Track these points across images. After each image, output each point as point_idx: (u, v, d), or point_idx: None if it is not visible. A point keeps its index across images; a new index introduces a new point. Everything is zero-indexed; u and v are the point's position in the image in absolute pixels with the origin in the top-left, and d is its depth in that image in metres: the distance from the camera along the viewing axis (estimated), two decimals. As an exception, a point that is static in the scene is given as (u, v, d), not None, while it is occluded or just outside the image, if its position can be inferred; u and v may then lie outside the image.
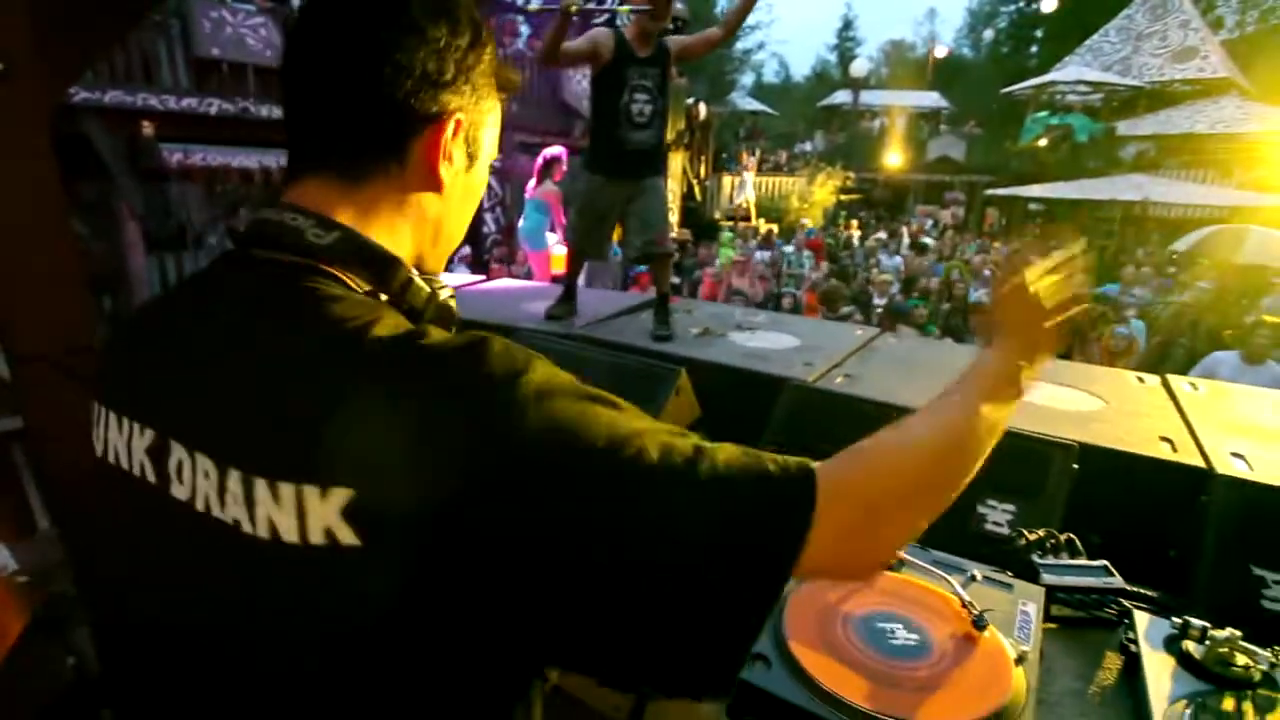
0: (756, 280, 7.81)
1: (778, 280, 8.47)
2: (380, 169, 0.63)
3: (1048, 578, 1.06)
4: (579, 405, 0.53)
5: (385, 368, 0.52)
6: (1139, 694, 0.86)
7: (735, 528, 0.52)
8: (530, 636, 0.53)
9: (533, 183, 6.22)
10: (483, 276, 4.11)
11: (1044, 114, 17.23)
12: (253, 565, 0.52)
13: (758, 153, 16.67)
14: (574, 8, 2.32)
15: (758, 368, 1.94)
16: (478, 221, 9.54)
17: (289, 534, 0.49)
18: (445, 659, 0.52)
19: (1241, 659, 0.85)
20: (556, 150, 6.10)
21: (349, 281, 0.60)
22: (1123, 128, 16.03)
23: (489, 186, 0.73)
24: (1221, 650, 0.86)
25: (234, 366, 0.56)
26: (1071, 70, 17.64)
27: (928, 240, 11.91)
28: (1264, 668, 0.85)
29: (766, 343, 2.26)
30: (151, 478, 0.58)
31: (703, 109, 12.77)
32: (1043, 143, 16.65)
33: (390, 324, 0.55)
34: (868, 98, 23.23)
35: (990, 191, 16.54)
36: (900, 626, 0.89)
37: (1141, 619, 0.97)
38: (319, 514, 0.49)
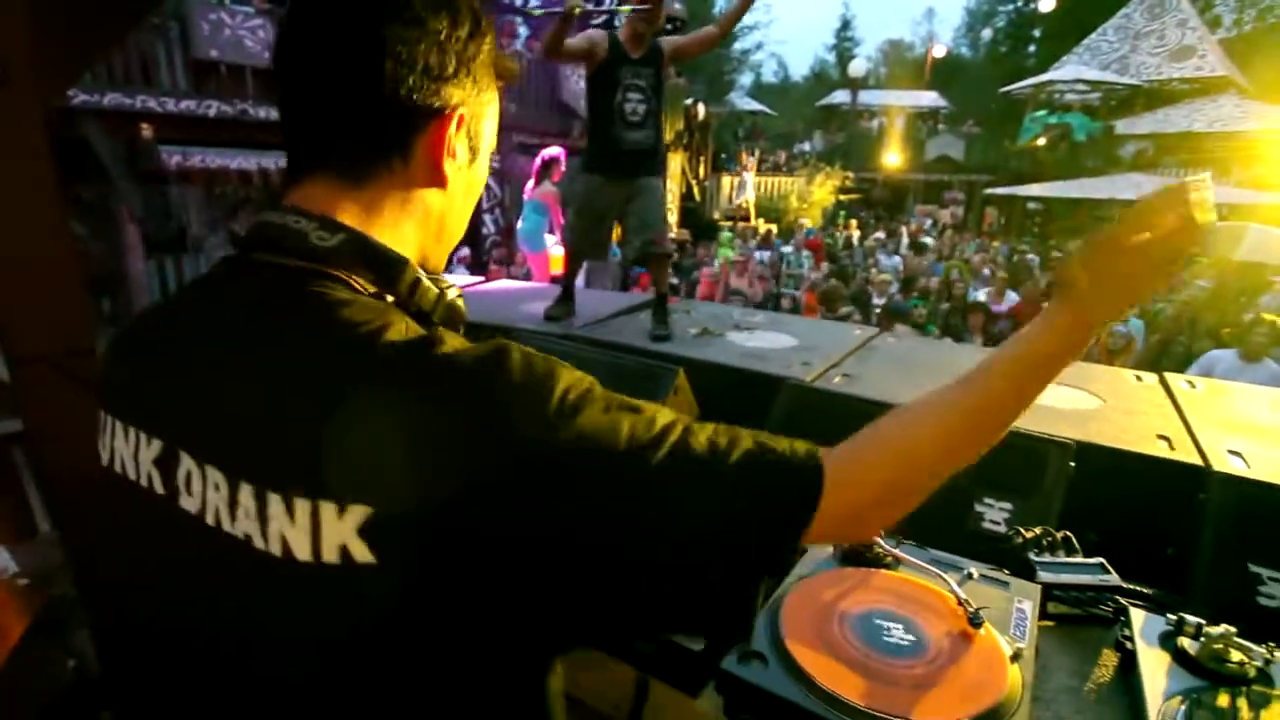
0: (755, 280, 7.82)
1: (777, 281, 8.48)
2: (383, 167, 0.61)
3: (1044, 575, 1.06)
4: (601, 412, 0.53)
5: (402, 377, 0.51)
6: (1134, 690, 0.86)
7: (744, 519, 0.55)
8: (555, 626, 0.54)
9: (531, 184, 6.23)
10: (481, 278, 4.12)
11: (1042, 113, 17.25)
12: (262, 580, 0.51)
13: (757, 153, 16.68)
14: (576, 10, 2.34)
15: (756, 367, 1.95)
16: (476, 223, 9.55)
17: (301, 552, 0.49)
18: (461, 662, 0.52)
19: (1236, 655, 0.85)
20: (555, 151, 6.11)
21: (355, 284, 0.59)
22: (1121, 126, 16.05)
23: (488, 188, 0.73)
24: (1216, 647, 0.86)
25: (242, 375, 0.55)
26: (1070, 69, 17.66)
27: (927, 240, 11.92)
28: (1259, 664, 0.85)
29: (765, 342, 2.26)
30: (159, 488, 0.57)
31: (701, 109, 12.78)
32: (1041, 142, 16.68)
33: (401, 328, 0.54)
34: (866, 97, 23.23)
35: (989, 191, 16.57)
36: (896, 624, 0.89)
37: (1137, 616, 0.97)
38: (335, 531, 0.48)
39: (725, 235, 11.14)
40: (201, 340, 0.59)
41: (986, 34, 31.88)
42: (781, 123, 26.81)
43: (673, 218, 11.62)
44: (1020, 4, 29.00)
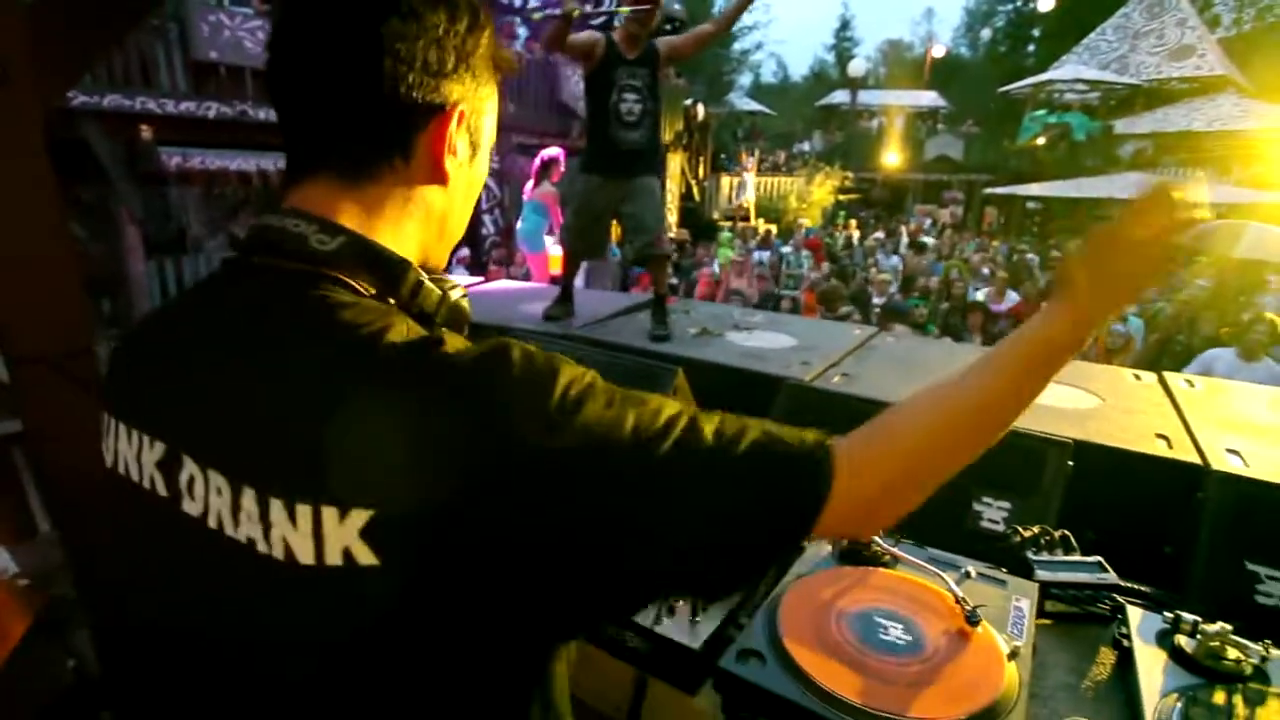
0: (754, 280, 7.82)
1: (776, 281, 8.48)
2: (384, 167, 0.60)
3: (1042, 574, 1.07)
4: (605, 409, 0.52)
5: (403, 378, 0.51)
6: (1131, 688, 0.87)
7: (752, 511, 0.55)
8: (560, 619, 0.54)
9: (530, 184, 6.23)
10: (481, 278, 4.12)
11: (1042, 112, 17.26)
12: (265, 584, 0.51)
13: (757, 153, 16.69)
14: (575, 12, 2.35)
15: (755, 367, 1.95)
16: (476, 223, 9.54)
17: (304, 556, 0.48)
18: (465, 661, 0.52)
19: (1233, 653, 0.86)
20: (554, 151, 6.11)
21: (357, 286, 0.58)
22: (1120, 126, 16.05)
23: (487, 188, 0.72)
24: (1212, 644, 0.87)
25: (242, 378, 0.55)
26: (1069, 69, 17.67)
27: (926, 240, 11.92)
28: (1255, 661, 0.85)
29: (764, 342, 2.26)
30: (162, 491, 0.57)
31: (701, 109, 12.79)
32: (1040, 141, 16.68)
33: (403, 330, 0.54)
34: (865, 97, 23.24)
35: (988, 190, 16.57)
36: (894, 623, 0.89)
37: (1134, 614, 0.97)
38: (337, 535, 0.48)
39: (725, 235, 11.15)
40: (202, 343, 0.59)
41: (986, 34, 31.90)
42: (781, 123, 26.83)
43: (672, 218, 11.63)
44: (1019, 4, 29.03)
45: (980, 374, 0.64)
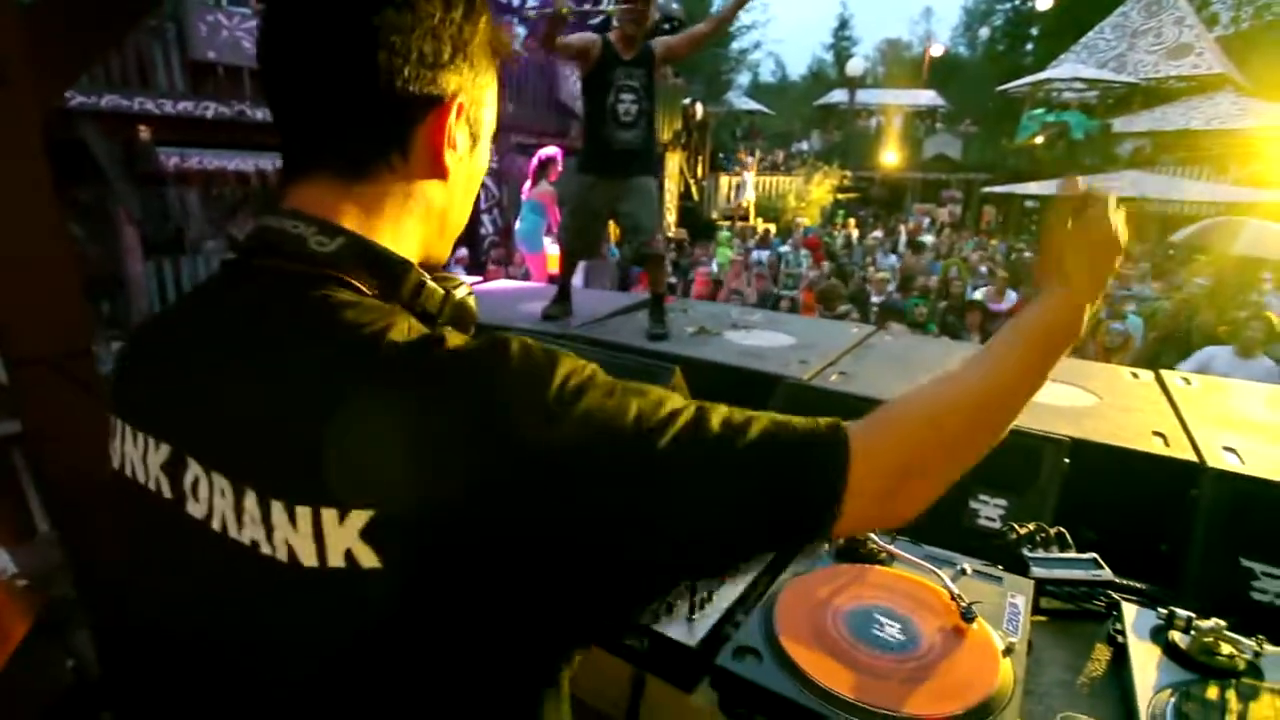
0: (754, 280, 7.83)
1: (775, 280, 8.48)
2: (382, 164, 0.59)
3: (1037, 571, 1.07)
4: (605, 399, 0.51)
5: (401, 377, 0.50)
6: (1126, 684, 0.87)
7: (770, 502, 0.53)
8: (566, 621, 0.53)
9: (528, 184, 6.24)
10: (480, 278, 4.12)
11: (1040, 111, 17.26)
12: (269, 586, 0.51)
13: (757, 153, 16.70)
14: (565, 10, 2.36)
15: (753, 366, 1.95)
16: (474, 223, 9.54)
17: (307, 558, 0.48)
18: (469, 663, 0.51)
19: (1226, 648, 0.86)
20: (551, 151, 6.12)
21: (358, 286, 0.57)
22: (1118, 124, 16.06)
23: (485, 188, 0.71)
24: (1206, 640, 0.87)
25: (243, 379, 0.54)
26: (1067, 68, 17.68)
27: (925, 239, 11.93)
28: (1248, 656, 0.86)
29: (762, 341, 2.26)
30: (167, 493, 0.56)
31: (699, 109, 12.80)
32: (1039, 140, 16.69)
33: (404, 329, 0.53)
34: (864, 97, 23.27)
35: (987, 189, 16.57)
36: (890, 620, 0.90)
37: (1129, 610, 0.98)
38: (338, 537, 0.47)
39: (724, 235, 11.15)
40: (203, 345, 0.59)
41: (984, 33, 31.92)
42: (779, 122, 26.86)
43: (671, 217, 11.63)
44: (1018, 3, 29.04)
45: (987, 361, 0.65)
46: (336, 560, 0.47)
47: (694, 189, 13.31)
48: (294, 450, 0.50)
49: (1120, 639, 0.94)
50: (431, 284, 0.61)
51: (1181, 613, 0.92)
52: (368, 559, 0.47)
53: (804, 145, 21.84)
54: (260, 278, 0.59)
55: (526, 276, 6.37)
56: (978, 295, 6.43)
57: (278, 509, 0.49)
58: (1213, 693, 0.82)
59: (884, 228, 14.12)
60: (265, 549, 0.49)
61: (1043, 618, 1.05)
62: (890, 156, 19.19)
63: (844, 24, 36.05)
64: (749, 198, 14.78)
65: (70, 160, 6.00)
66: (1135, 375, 1.98)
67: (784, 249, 10.19)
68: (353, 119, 0.58)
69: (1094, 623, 1.06)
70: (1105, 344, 4.69)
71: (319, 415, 0.49)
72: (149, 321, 0.69)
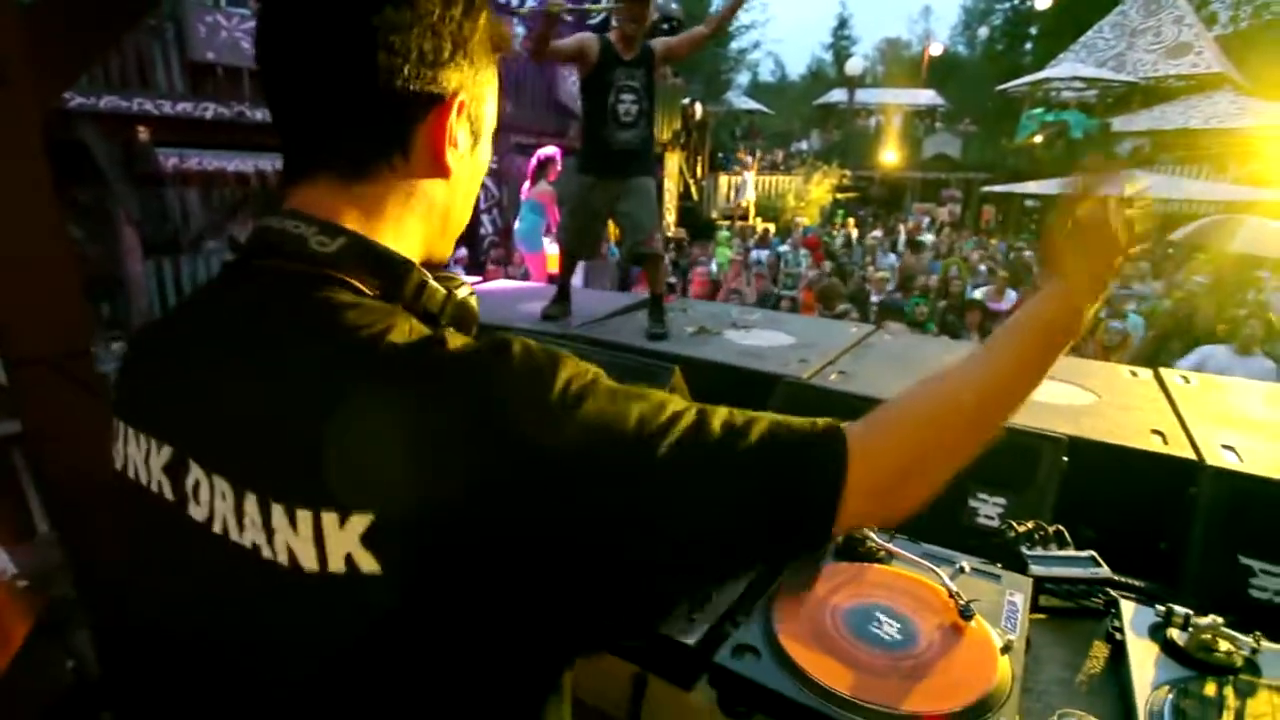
0: (753, 279, 7.83)
1: (774, 280, 8.48)
2: (383, 163, 0.59)
3: (1035, 569, 1.07)
4: (608, 404, 0.51)
5: (402, 378, 0.50)
6: (1124, 681, 0.87)
7: (770, 502, 0.53)
8: (571, 626, 0.53)
9: (527, 184, 6.24)
10: (479, 278, 4.12)
11: (1039, 111, 17.27)
12: (270, 590, 0.50)
13: (757, 153, 16.70)
14: (556, 8, 2.36)
15: (752, 365, 1.95)
16: (474, 223, 9.50)
17: (308, 562, 0.48)
18: (471, 666, 0.51)
19: (1224, 645, 0.86)
20: (550, 150, 6.13)
21: (359, 287, 0.57)
22: (1118, 124, 16.07)
23: (485, 188, 0.71)
24: (1204, 637, 0.87)
25: (243, 382, 0.54)
26: (1066, 67, 17.68)
27: (924, 238, 11.93)
28: (1246, 654, 0.86)
29: (762, 340, 2.27)
30: (169, 495, 0.56)
31: (699, 108, 12.81)
32: (1038, 139, 16.70)
33: (405, 329, 0.52)
34: (863, 96, 23.27)
35: (986, 189, 16.58)
36: (888, 618, 0.90)
37: (1127, 608, 0.98)
38: (339, 541, 0.47)
39: (723, 235, 11.15)
40: (204, 347, 0.59)
41: (983, 32, 31.93)
42: (779, 121, 26.88)
43: (671, 217, 11.64)
44: (1016, 2, 29.04)
45: (984, 359, 0.65)
46: (337, 565, 0.47)
47: (693, 189, 13.32)
48: (294, 452, 0.50)
49: (1118, 636, 0.95)
50: (433, 284, 0.60)
51: (1179, 610, 0.92)
52: (368, 564, 0.46)
53: (803, 145, 21.84)
54: (261, 279, 0.58)
55: (526, 276, 6.37)
56: (978, 294, 6.43)
57: (278, 512, 0.49)
58: (1210, 689, 0.82)
59: (883, 227, 14.12)
60: (266, 552, 0.49)
61: (1041, 615, 1.06)
62: (890, 156, 19.20)
63: (843, 23, 36.08)
64: (749, 198, 14.77)
65: (70, 161, 6.00)
66: (1134, 374, 1.98)
67: (783, 249, 10.19)
68: (352, 119, 0.58)
69: (1092, 620, 1.06)
70: (1104, 342, 4.70)
71: (319, 416, 0.49)
72: (152, 324, 0.69)
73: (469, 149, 0.64)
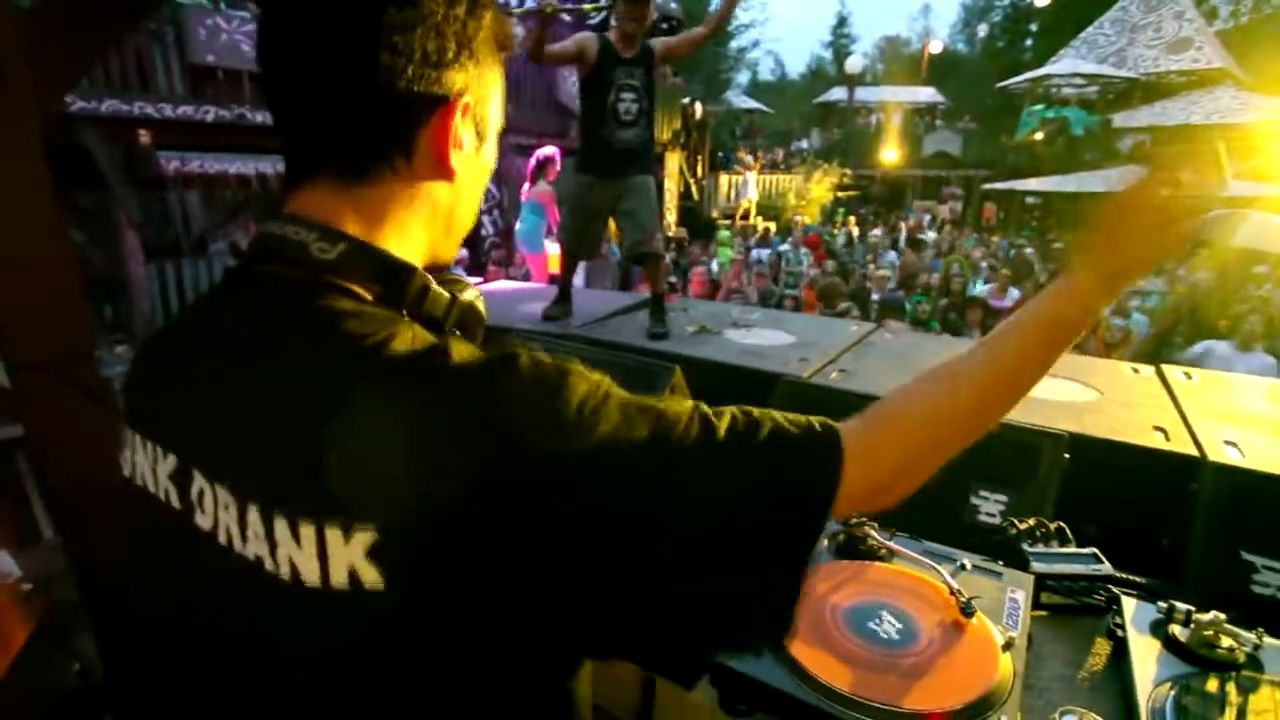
0: (754, 278, 7.82)
1: (775, 280, 8.47)
2: (385, 166, 0.58)
3: (1037, 565, 1.07)
4: (619, 417, 0.50)
5: (404, 388, 0.49)
6: (1126, 678, 0.87)
7: (770, 500, 0.53)
8: (574, 628, 0.52)
9: (527, 184, 6.25)
10: (480, 279, 4.13)
11: (1040, 107, 17.25)
12: (272, 603, 0.50)
13: (759, 153, 16.70)
14: (549, 8, 2.37)
15: (753, 364, 1.96)
16: (475, 225, 9.49)
17: (310, 576, 0.47)
18: (478, 677, 0.51)
19: (1226, 641, 0.86)
20: (549, 151, 6.13)
21: (360, 293, 0.56)
22: (1118, 120, 16.04)
23: (485, 189, 0.69)
24: (1206, 633, 0.87)
25: (244, 391, 0.53)
26: (1066, 63, 17.65)
27: (926, 236, 11.92)
28: (1248, 649, 0.86)
29: (762, 340, 2.27)
30: (176, 503, 0.56)
31: (698, 108, 12.79)
32: (1039, 136, 16.68)
33: (408, 337, 0.52)
34: (863, 94, 23.25)
35: (987, 186, 16.57)
36: (889, 615, 0.90)
37: (1129, 604, 0.98)
38: (342, 555, 0.46)
39: (724, 234, 11.14)
40: (206, 354, 0.58)
41: (983, 29, 31.87)
42: (779, 120, 26.86)
43: (671, 217, 11.63)
44: (1016, -1, 28.99)
45: (986, 355, 0.64)
46: (340, 579, 0.47)
47: (694, 188, 13.31)
48: (296, 464, 0.49)
49: (1120, 633, 0.95)
50: (437, 288, 0.59)
51: (1181, 606, 0.92)
52: (371, 578, 0.46)
53: (804, 143, 21.83)
54: (262, 285, 0.58)
55: (527, 277, 6.37)
56: (980, 291, 6.43)
57: (281, 525, 0.48)
58: (1212, 685, 0.82)
59: (884, 225, 14.11)
60: (269, 565, 0.49)
61: (1043, 612, 1.06)
62: (890, 154, 19.19)
63: (842, 21, 36.02)
64: (751, 198, 14.76)
65: (71, 164, 6.01)
66: (1136, 370, 1.98)
67: (784, 247, 10.18)
68: (354, 120, 0.57)
69: (1094, 617, 1.06)
70: (1106, 339, 4.69)
71: (321, 427, 0.48)
72: (158, 330, 0.68)
73: (474, 150, 0.63)
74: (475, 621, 0.48)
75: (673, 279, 7.42)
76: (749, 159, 15.87)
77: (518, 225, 6.52)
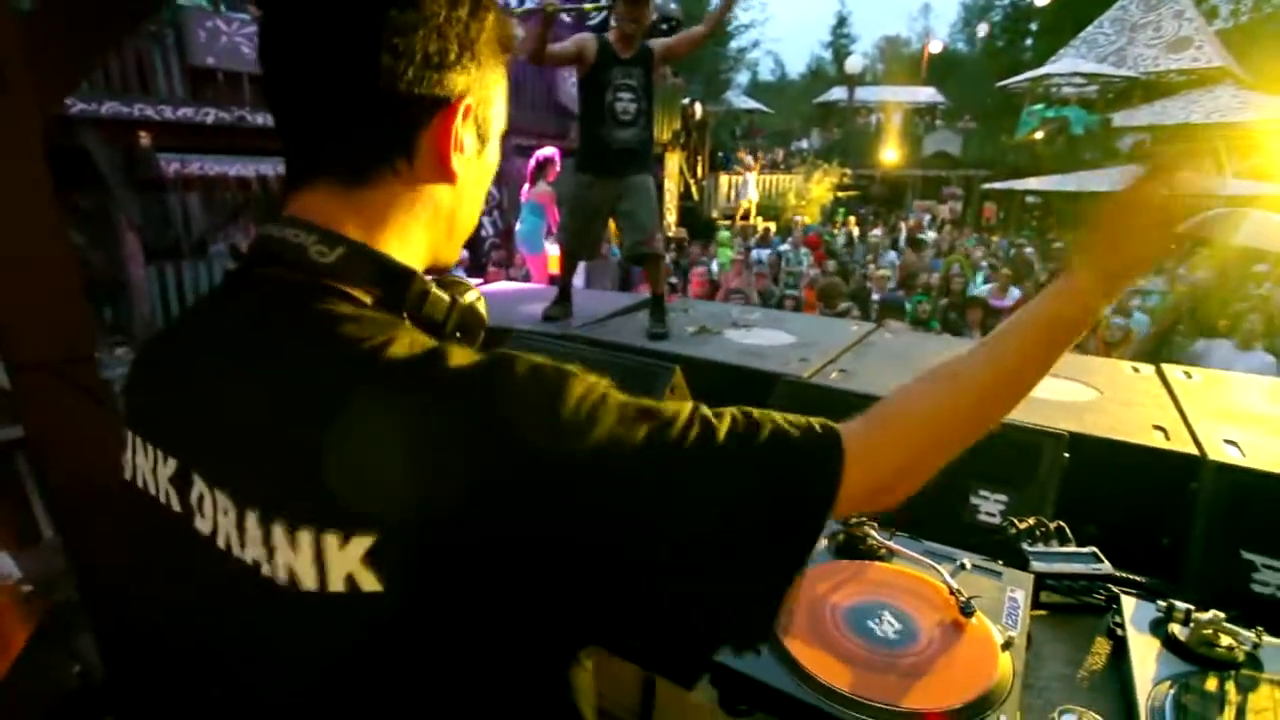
0: (753, 278, 7.82)
1: (776, 280, 8.47)
2: (386, 169, 0.57)
3: (1037, 565, 1.07)
4: (616, 419, 0.50)
5: (402, 393, 0.48)
6: (1125, 677, 0.87)
7: (770, 503, 0.53)
8: (571, 629, 0.53)
9: (527, 186, 6.26)
10: (480, 280, 4.13)
11: (1040, 107, 17.25)
12: (270, 607, 0.50)
13: (759, 153, 16.70)
14: (551, 8, 2.37)
15: (753, 364, 1.96)
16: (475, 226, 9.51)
17: (307, 581, 0.47)
18: (477, 678, 0.51)
19: (1225, 640, 0.86)
20: (549, 151, 6.14)
21: (359, 297, 0.56)
22: (1118, 119, 16.03)
23: (488, 191, 0.69)
24: (1205, 632, 0.87)
25: (242, 396, 0.53)
26: (1066, 63, 17.65)
27: (925, 236, 11.92)
28: (1247, 648, 0.86)
29: (762, 340, 2.27)
30: (176, 507, 0.56)
31: (698, 108, 12.80)
32: (1039, 136, 16.68)
33: (405, 342, 0.51)
34: (863, 94, 23.25)
35: (987, 185, 16.57)
36: (889, 615, 0.90)
37: (1128, 603, 0.98)
38: (339, 561, 0.46)
39: (724, 235, 11.14)
40: (205, 358, 0.58)
41: (982, 29, 31.85)
42: (779, 120, 26.86)
43: (671, 217, 11.64)
44: (1016, -2, 28.98)
45: (986, 355, 0.64)
46: (337, 584, 0.46)
47: (694, 189, 13.32)
48: (294, 469, 0.49)
49: (1120, 632, 0.95)
50: (436, 292, 0.59)
51: (1181, 605, 0.92)
52: (369, 583, 0.46)
53: (804, 143, 21.82)
54: (261, 288, 0.58)
55: (527, 278, 6.38)
56: (981, 291, 6.43)
57: (279, 530, 0.48)
58: (1212, 684, 0.82)
59: (884, 225, 14.11)
60: (266, 570, 0.49)
61: (1042, 612, 1.06)
62: (890, 154, 19.19)
63: (842, 21, 36.00)
64: (751, 198, 14.75)
65: (71, 166, 6.02)
66: (1136, 369, 1.98)
67: (784, 247, 10.18)
68: (354, 122, 0.56)
69: (1094, 616, 1.06)
70: (1106, 338, 4.69)
71: (318, 433, 0.48)
72: (158, 333, 0.68)
73: (475, 153, 0.63)
74: (474, 622, 0.48)
75: (673, 280, 7.42)
76: (749, 159, 15.87)
77: (518, 226, 6.53)
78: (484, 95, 0.61)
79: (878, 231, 12.78)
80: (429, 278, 0.61)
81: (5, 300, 1.32)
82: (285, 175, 0.61)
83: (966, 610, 0.89)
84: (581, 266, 4.77)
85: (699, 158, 13.43)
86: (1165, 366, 1.98)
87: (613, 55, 2.56)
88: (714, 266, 8.99)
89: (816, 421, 0.57)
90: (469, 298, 0.61)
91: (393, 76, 0.54)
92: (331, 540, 0.46)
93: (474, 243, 9.54)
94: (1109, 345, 4.65)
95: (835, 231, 13.05)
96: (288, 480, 0.49)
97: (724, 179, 14.82)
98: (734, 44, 31.08)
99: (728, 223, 13.26)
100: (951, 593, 0.92)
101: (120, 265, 6.83)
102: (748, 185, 14.87)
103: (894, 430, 0.60)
